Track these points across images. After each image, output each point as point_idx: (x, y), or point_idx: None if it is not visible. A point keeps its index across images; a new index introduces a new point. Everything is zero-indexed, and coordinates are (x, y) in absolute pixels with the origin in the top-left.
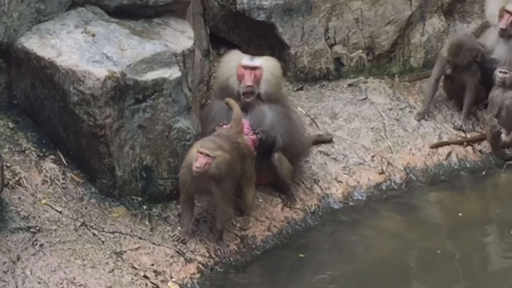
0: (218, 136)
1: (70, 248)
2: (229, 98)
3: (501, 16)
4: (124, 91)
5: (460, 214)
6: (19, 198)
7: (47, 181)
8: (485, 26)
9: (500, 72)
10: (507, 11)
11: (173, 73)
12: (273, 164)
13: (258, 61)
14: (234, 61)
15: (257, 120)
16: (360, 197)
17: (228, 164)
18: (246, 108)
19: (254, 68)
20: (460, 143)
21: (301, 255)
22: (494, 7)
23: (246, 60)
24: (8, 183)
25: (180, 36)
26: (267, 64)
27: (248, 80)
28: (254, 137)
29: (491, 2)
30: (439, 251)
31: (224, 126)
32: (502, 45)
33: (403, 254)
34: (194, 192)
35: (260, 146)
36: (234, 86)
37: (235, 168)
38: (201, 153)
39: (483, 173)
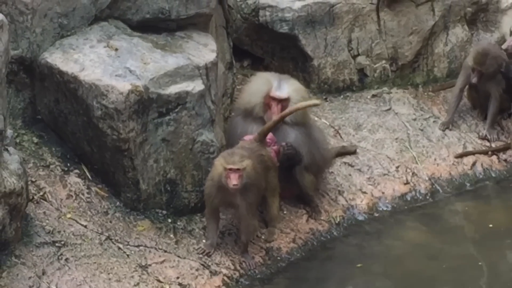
0: (242, 148)
1: (95, 262)
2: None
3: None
4: (147, 105)
5: (491, 225)
6: (44, 212)
7: (72, 196)
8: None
9: None
10: None
11: (196, 86)
12: (295, 177)
13: (286, 91)
14: (262, 90)
15: (279, 139)
16: (385, 208)
17: (255, 170)
18: None
19: (282, 101)
20: (485, 152)
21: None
22: (507, 25)
23: (274, 90)
24: (33, 198)
25: (203, 49)
26: (295, 96)
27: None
28: (276, 147)
29: (505, 20)
30: (480, 263)
31: (246, 137)
32: None
33: (433, 266)
34: (219, 204)
35: (287, 161)
36: (259, 113)
37: (260, 179)
38: (230, 169)
39: None
